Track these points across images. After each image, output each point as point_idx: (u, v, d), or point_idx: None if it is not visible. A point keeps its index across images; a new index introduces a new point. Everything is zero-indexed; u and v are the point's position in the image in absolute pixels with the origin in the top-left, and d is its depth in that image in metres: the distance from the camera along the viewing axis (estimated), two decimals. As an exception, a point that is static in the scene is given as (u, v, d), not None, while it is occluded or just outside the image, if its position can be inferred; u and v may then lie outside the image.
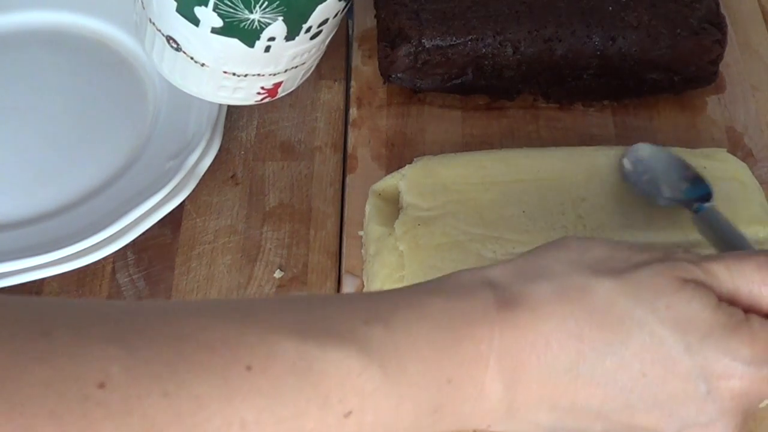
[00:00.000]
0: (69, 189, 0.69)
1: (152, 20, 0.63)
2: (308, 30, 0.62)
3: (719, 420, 0.41)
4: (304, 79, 0.70)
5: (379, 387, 0.39)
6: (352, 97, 0.76)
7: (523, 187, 0.63)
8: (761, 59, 0.79)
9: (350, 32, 0.81)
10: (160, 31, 0.63)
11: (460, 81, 0.74)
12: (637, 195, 0.62)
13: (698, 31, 0.72)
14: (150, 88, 0.74)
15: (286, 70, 0.65)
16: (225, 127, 0.72)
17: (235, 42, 0.61)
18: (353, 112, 0.75)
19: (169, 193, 0.66)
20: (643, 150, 0.65)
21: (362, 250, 0.66)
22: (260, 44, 0.61)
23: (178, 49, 0.63)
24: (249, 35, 0.61)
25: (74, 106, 0.74)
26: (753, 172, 0.65)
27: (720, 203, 0.62)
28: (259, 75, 0.65)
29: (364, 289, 0.63)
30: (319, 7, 0.61)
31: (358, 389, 0.38)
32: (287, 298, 0.42)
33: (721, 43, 0.72)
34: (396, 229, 0.62)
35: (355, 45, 0.80)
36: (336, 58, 0.79)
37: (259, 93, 0.67)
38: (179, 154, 0.68)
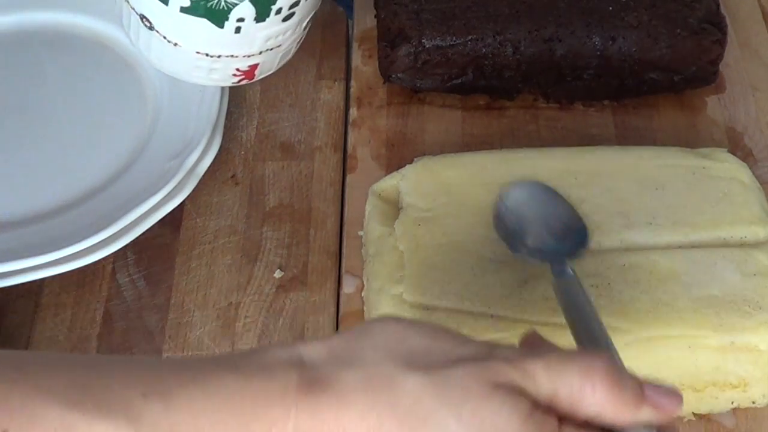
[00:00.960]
0: (69, 189, 0.69)
1: None
2: (279, 12, 0.62)
3: None
4: (284, 61, 0.69)
5: None
6: (352, 97, 0.76)
7: (523, 187, 0.63)
8: (761, 59, 0.79)
9: (350, 32, 0.81)
10: (134, 9, 0.63)
11: (460, 81, 0.74)
12: (504, 245, 0.58)
13: (698, 31, 0.72)
14: (150, 88, 0.74)
15: (260, 52, 0.65)
16: (225, 127, 0.72)
17: (204, 22, 0.61)
18: (353, 112, 0.75)
19: (169, 193, 0.66)
20: (520, 190, 0.59)
21: (362, 250, 0.66)
22: (230, 25, 0.61)
23: (151, 28, 0.64)
24: (217, 15, 0.61)
25: (74, 106, 0.74)
26: (753, 172, 0.65)
27: (720, 203, 0.62)
28: (232, 56, 0.65)
29: (365, 289, 0.63)
30: None
31: None
32: (69, 356, 0.40)
33: (721, 43, 0.72)
34: (396, 229, 0.62)
35: (355, 45, 0.80)
36: (336, 58, 0.79)
37: (235, 75, 0.67)
38: (179, 154, 0.68)
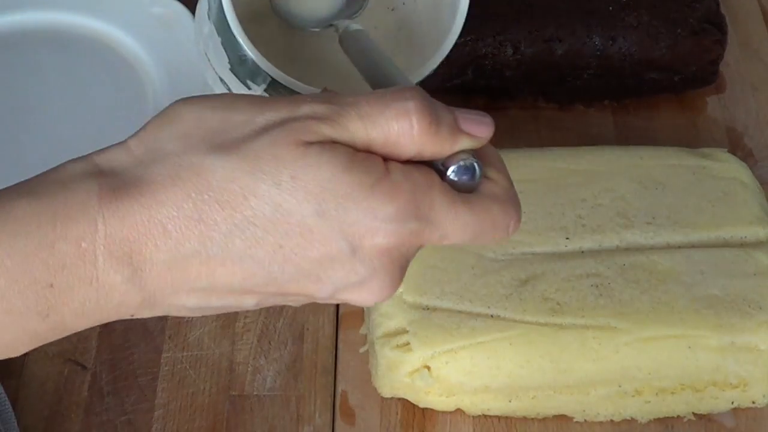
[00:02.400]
0: (69, 189, 0.69)
1: (207, 54, 0.62)
2: None
3: (372, 278, 0.39)
4: None
5: None
6: (352, 97, 0.76)
7: (523, 187, 0.63)
8: (761, 59, 0.79)
9: (350, 32, 0.81)
10: (213, 68, 0.62)
11: (460, 81, 0.74)
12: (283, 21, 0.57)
13: (698, 31, 0.72)
14: (150, 88, 0.74)
15: None
16: (225, 127, 0.72)
17: None
18: (353, 112, 0.75)
19: (169, 193, 0.66)
20: None
21: (362, 250, 0.66)
22: None
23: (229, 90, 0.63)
24: None
25: (74, 106, 0.74)
26: (753, 172, 0.65)
27: (720, 203, 0.62)
28: None
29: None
30: None
31: None
32: None
33: (721, 43, 0.73)
34: (396, 229, 0.62)
35: (355, 45, 0.80)
36: (336, 58, 0.79)
37: None
38: (179, 154, 0.68)
